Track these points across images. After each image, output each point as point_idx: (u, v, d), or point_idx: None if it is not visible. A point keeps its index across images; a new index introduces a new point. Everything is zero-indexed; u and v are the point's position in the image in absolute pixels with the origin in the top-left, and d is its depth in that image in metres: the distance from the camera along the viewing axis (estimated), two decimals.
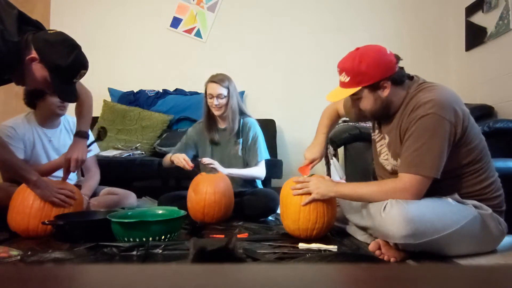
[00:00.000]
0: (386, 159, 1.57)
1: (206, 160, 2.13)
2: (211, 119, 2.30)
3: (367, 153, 2.08)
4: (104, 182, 2.24)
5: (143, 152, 2.84)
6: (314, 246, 1.47)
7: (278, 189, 1.83)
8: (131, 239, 1.45)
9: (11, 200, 1.70)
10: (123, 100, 3.18)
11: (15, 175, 1.73)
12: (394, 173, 1.52)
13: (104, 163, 2.33)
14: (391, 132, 1.52)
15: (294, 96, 3.37)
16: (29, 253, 1.36)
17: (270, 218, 2.17)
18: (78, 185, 1.98)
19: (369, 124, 2.19)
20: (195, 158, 2.30)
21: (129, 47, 3.38)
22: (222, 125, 2.31)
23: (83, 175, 2.24)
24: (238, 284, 0.30)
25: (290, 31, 3.39)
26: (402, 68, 1.48)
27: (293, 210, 1.60)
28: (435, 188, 1.39)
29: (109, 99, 3.21)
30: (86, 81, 1.79)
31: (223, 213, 1.98)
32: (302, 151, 1.85)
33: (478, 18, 2.98)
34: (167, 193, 2.22)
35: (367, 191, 1.47)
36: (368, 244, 1.47)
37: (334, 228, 1.74)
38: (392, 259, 1.36)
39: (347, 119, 2.24)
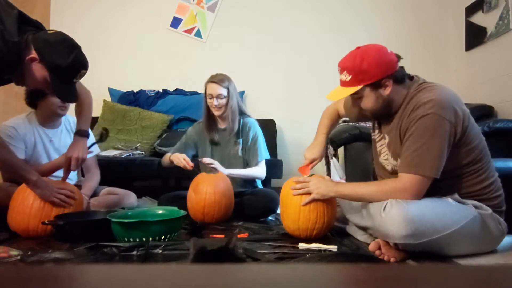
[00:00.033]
0: (386, 159, 1.57)
1: (206, 160, 2.13)
2: (211, 119, 2.30)
3: (367, 153, 2.08)
4: (104, 182, 2.24)
5: (143, 152, 2.84)
6: (314, 246, 1.47)
7: (278, 189, 1.83)
8: (131, 239, 1.45)
9: (11, 200, 1.70)
10: (123, 100, 3.18)
11: (15, 175, 1.73)
12: (394, 173, 1.52)
13: (104, 163, 2.33)
14: (391, 132, 1.52)
15: (294, 96, 3.37)
16: (29, 253, 1.36)
17: (270, 218, 2.17)
18: (78, 185, 1.98)
19: (369, 124, 2.19)
20: (194, 158, 2.30)
21: (129, 47, 3.39)
22: (222, 125, 2.31)
23: (83, 175, 2.24)
24: (238, 284, 0.30)
25: (290, 31, 3.39)
26: (402, 67, 1.48)
27: (293, 210, 1.60)
28: (435, 188, 1.39)
29: (109, 99, 3.21)
30: (86, 81, 1.79)
31: (223, 213, 1.98)
32: (302, 151, 1.85)
33: (478, 18, 2.98)
34: (167, 193, 2.22)
35: (367, 191, 1.47)
36: (368, 244, 1.47)
37: (334, 228, 1.74)
38: (392, 259, 1.36)
39: (347, 119, 2.23)
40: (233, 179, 2.14)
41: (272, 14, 3.39)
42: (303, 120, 3.26)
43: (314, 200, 1.57)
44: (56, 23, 3.26)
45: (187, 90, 3.25)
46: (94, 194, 2.14)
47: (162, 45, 3.38)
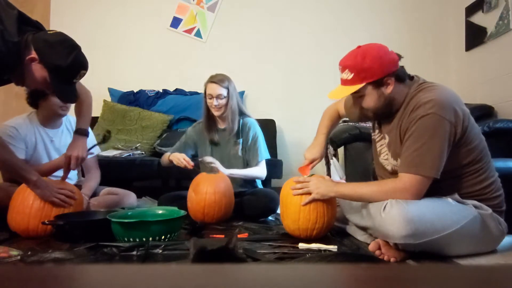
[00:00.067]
0: (386, 159, 1.57)
1: (207, 158, 2.13)
2: (210, 119, 2.30)
3: (367, 153, 2.08)
4: (104, 182, 2.24)
5: (143, 152, 2.84)
6: (314, 246, 1.47)
7: (278, 189, 1.83)
8: (131, 239, 1.45)
9: (11, 200, 1.70)
10: (123, 100, 3.18)
11: (15, 175, 1.73)
12: (394, 173, 1.52)
13: (104, 163, 2.34)
14: (391, 132, 1.52)
15: (294, 96, 3.37)
16: (29, 253, 1.36)
17: (270, 218, 2.17)
18: (79, 185, 1.98)
19: (369, 124, 2.19)
20: (194, 158, 2.30)
21: (129, 47, 3.39)
22: (221, 125, 2.31)
23: (83, 176, 2.24)
24: (238, 284, 0.30)
25: (290, 31, 3.39)
26: (402, 67, 1.48)
27: (293, 210, 1.60)
28: (435, 188, 1.39)
29: (109, 99, 3.21)
30: (86, 81, 1.79)
31: (223, 213, 1.98)
32: (302, 151, 1.85)
33: (478, 18, 2.98)
34: (167, 193, 2.22)
35: (367, 191, 1.47)
36: (368, 244, 1.47)
37: (334, 228, 1.74)
38: (392, 259, 1.36)
39: (347, 119, 2.23)
40: (233, 179, 2.14)
41: (272, 14, 3.39)
42: (303, 120, 3.26)
43: (314, 200, 1.57)
44: (56, 23, 3.26)
45: (187, 90, 3.25)
46: (94, 194, 2.14)
47: (162, 45, 3.38)
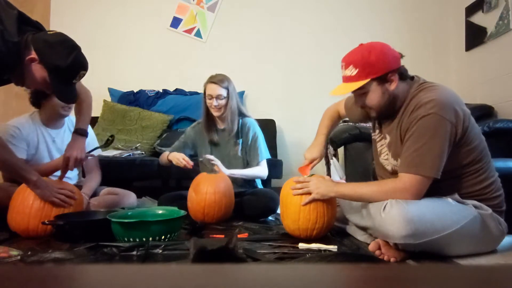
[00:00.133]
0: (386, 159, 1.57)
1: (209, 156, 2.13)
2: (210, 119, 2.30)
3: (367, 153, 2.08)
4: (104, 182, 2.24)
5: (143, 152, 2.84)
6: (314, 246, 1.47)
7: (278, 189, 1.83)
8: (131, 239, 1.45)
9: (11, 200, 1.70)
10: (123, 100, 3.18)
11: (15, 175, 1.73)
12: (394, 173, 1.52)
13: (104, 163, 2.33)
14: (392, 132, 1.52)
15: (294, 96, 3.37)
16: (29, 253, 1.35)
17: (270, 218, 2.17)
18: (79, 186, 1.98)
19: (369, 124, 2.18)
20: (193, 158, 2.30)
21: (129, 47, 3.39)
22: (221, 125, 2.31)
23: (84, 176, 2.24)
24: (238, 284, 0.30)
25: (290, 31, 3.39)
26: (403, 66, 1.49)
27: (293, 210, 1.60)
28: (435, 188, 1.39)
29: (109, 99, 3.21)
30: (86, 81, 1.79)
31: (223, 213, 1.98)
32: (302, 151, 1.85)
33: (478, 18, 2.98)
34: (167, 193, 2.22)
35: (367, 191, 1.47)
36: (368, 244, 1.47)
37: (334, 228, 1.74)
38: (392, 259, 1.36)
39: (348, 119, 2.23)
40: (233, 179, 2.14)
41: (272, 14, 3.39)
42: (303, 120, 3.26)
43: (314, 200, 1.57)
44: (56, 23, 3.26)
45: (187, 90, 3.25)
46: (94, 194, 2.14)
47: (162, 45, 3.38)
